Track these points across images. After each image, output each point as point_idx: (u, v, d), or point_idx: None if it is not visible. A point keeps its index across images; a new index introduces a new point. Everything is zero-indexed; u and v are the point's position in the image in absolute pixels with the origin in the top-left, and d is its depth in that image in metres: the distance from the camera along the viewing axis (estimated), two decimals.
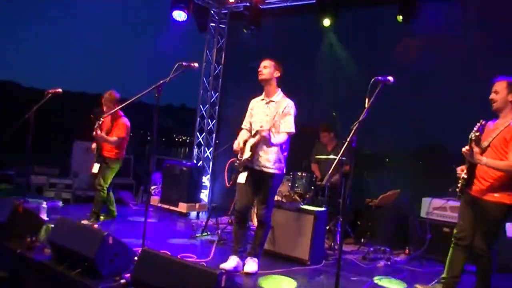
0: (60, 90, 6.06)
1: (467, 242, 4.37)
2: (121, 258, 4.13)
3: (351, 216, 7.40)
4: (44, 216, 6.34)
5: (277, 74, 5.11)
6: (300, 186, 7.09)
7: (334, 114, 7.06)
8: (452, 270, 4.47)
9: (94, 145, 6.99)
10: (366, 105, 3.59)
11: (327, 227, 6.58)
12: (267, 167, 4.98)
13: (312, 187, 7.08)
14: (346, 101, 7.40)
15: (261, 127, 4.93)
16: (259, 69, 5.10)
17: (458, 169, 4.44)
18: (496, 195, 4.16)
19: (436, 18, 7.25)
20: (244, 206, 5.09)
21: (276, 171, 5.03)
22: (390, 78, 3.69)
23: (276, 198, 6.88)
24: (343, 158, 6.00)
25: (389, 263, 6.10)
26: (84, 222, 6.53)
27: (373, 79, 3.66)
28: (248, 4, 8.91)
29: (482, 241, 4.23)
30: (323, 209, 6.22)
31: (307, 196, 7.01)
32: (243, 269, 5.03)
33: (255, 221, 6.99)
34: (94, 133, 6.31)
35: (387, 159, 8.21)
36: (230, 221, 7.15)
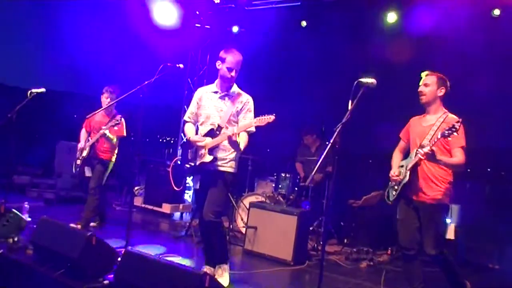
0: (43, 89, 6.00)
1: (415, 251, 4.27)
2: (105, 259, 4.12)
3: (335, 217, 7.46)
4: (26, 217, 6.29)
5: None
6: (284, 187, 7.16)
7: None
8: (414, 280, 4.35)
9: (84, 144, 6.55)
10: (349, 107, 3.63)
11: (311, 228, 6.62)
12: (219, 166, 4.49)
13: (296, 188, 7.15)
14: (331, 101, 7.45)
15: (218, 125, 4.46)
16: (225, 72, 4.52)
17: (393, 174, 4.33)
18: (438, 196, 4.13)
19: (427, 19, 7.32)
20: (201, 211, 4.54)
21: (230, 170, 4.55)
22: (373, 80, 3.72)
23: (260, 199, 6.93)
24: (327, 159, 6.04)
25: (371, 263, 6.16)
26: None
27: (356, 82, 3.69)
28: (233, 5, 8.92)
29: (431, 246, 4.13)
30: (306, 209, 6.26)
31: (291, 197, 7.07)
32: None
33: (239, 222, 7.04)
34: (108, 131, 6.19)
35: (370, 161, 8.29)
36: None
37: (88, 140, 6.51)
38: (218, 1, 9.32)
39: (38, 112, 9.65)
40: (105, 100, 6.44)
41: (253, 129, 4.39)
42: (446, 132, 3.75)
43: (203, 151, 4.45)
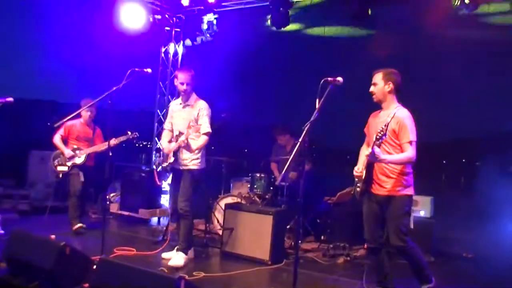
0: (11, 99, 5.88)
1: (377, 244, 4.38)
2: (79, 268, 4.08)
3: (311, 214, 7.49)
4: None
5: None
6: (259, 187, 7.17)
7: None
8: (381, 271, 4.49)
9: (77, 152, 7.00)
10: (317, 106, 3.66)
11: (288, 226, 6.65)
12: (184, 165, 5.51)
13: (271, 188, 7.16)
14: (301, 100, 7.49)
15: (179, 132, 5.45)
16: (179, 86, 5.56)
17: (356, 170, 4.39)
18: (398, 188, 4.19)
19: (402, 15, 7.39)
20: (174, 203, 5.73)
21: (193, 167, 5.52)
22: (340, 78, 3.76)
23: (236, 200, 6.94)
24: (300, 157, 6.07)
25: (348, 258, 6.21)
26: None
27: (322, 80, 3.73)
28: (202, 7, 8.91)
29: (397, 237, 4.19)
30: (282, 208, 6.29)
31: (267, 196, 7.09)
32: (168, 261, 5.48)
33: (215, 224, 7.04)
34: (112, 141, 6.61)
35: (348, 157, 8.35)
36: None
37: (81, 148, 7.01)
38: (187, 4, 9.28)
39: (8, 122, 9.50)
40: (87, 113, 7.01)
41: (209, 130, 5.44)
42: (377, 142, 3.86)
43: (170, 154, 5.46)
